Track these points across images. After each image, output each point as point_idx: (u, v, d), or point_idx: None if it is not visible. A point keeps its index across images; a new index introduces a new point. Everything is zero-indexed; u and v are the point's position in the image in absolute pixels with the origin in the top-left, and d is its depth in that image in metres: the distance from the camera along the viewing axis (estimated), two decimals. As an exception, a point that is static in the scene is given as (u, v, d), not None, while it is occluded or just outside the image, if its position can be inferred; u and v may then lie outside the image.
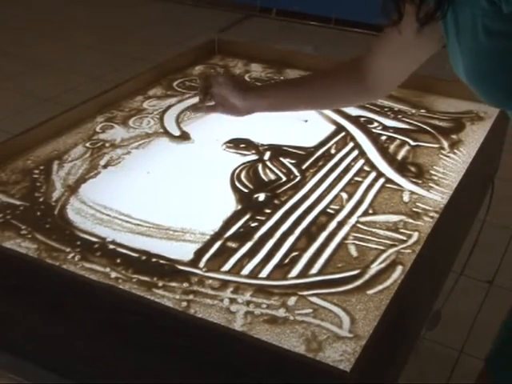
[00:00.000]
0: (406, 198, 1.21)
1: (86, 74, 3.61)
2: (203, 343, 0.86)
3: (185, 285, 0.98)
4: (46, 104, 3.25)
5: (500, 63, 0.83)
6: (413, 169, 1.31)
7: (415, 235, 1.10)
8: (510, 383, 1.04)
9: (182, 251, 1.06)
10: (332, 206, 1.18)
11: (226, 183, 1.25)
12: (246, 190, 1.23)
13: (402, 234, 1.11)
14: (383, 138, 1.42)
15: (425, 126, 1.47)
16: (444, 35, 0.92)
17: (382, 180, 1.26)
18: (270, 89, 1.24)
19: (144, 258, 1.04)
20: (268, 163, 1.32)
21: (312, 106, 1.31)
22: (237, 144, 1.38)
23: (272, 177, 1.27)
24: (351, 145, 1.39)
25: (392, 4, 0.93)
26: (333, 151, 1.37)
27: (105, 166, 1.30)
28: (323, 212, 1.16)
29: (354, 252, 1.06)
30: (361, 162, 1.32)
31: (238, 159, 1.33)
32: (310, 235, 1.10)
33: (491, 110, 1.51)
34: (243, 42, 2.01)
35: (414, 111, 1.54)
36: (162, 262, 1.03)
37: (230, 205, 1.18)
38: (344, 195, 1.21)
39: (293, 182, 1.25)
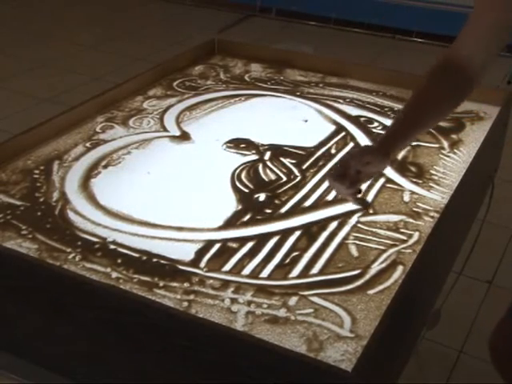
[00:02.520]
0: (406, 197, 1.21)
1: (85, 74, 3.61)
2: (204, 343, 0.86)
3: (186, 285, 0.98)
4: (45, 104, 3.25)
5: None
6: (413, 169, 1.31)
7: (416, 235, 1.10)
8: None
9: (183, 251, 1.06)
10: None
11: (227, 183, 1.25)
12: (246, 190, 1.23)
13: (402, 233, 1.11)
14: (383, 137, 1.42)
15: (425, 126, 1.46)
16: None
17: (382, 180, 1.26)
18: (401, 131, 1.06)
19: (145, 258, 1.04)
20: (268, 163, 1.32)
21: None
22: (237, 144, 1.38)
23: (272, 177, 1.27)
24: (351, 145, 1.39)
25: None
26: (333, 151, 1.37)
27: (105, 166, 1.30)
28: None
29: (354, 252, 1.06)
30: (361, 161, 1.32)
31: (238, 159, 1.33)
32: (310, 235, 1.10)
33: (491, 110, 1.51)
34: (243, 42, 2.01)
35: (414, 111, 1.54)
36: (162, 262, 1.03)
37: (231, 205, 1.18)
38: (344, 195, 1.21)
39: (293, 182, 1.25)
